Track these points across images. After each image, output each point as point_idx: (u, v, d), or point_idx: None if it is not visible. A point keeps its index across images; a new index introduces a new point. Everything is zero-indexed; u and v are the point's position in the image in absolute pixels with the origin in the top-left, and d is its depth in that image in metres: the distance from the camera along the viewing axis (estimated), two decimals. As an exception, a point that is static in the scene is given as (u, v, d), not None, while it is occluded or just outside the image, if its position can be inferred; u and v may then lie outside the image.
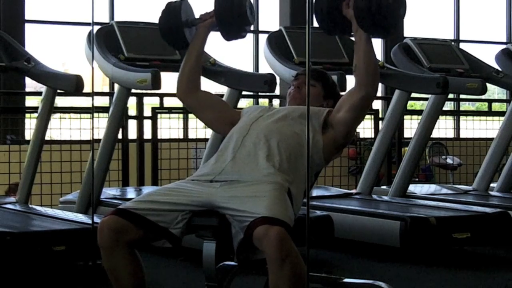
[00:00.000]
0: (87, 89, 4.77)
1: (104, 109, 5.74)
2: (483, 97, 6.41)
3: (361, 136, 7.72)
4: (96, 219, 3.01)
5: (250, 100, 9.15)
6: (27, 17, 9.01)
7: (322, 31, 3.15)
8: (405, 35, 10.77)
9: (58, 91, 5.09)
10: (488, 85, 5.69)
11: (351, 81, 5.22)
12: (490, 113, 8.36)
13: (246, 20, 3.18)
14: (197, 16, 3.30)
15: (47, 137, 5.34)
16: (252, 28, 3.27)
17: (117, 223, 2.79)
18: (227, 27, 3.21)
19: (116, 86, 5.18)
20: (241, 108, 4.78)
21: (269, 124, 3.05)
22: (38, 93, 5.70)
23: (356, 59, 3.03)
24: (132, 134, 6.40)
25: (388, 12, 2.96)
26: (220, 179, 2.90)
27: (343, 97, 3.13)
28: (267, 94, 6.57)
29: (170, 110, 6.86)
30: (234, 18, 3.18)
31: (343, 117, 3.04)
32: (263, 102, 8.86)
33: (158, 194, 2.95)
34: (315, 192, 5.89)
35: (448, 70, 5.70)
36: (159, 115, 6.52)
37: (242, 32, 3.26)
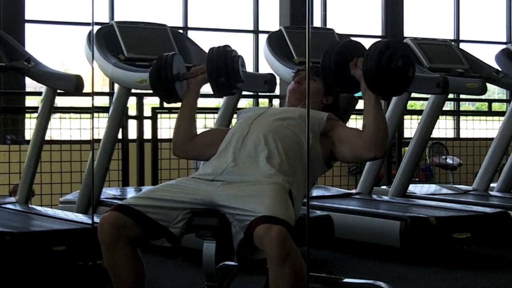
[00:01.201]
0: (87, 89, 4.77)
1: (104, 109, 5.74)
2: (483, 97, 6.41)
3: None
4: (96, 219, 3.01)
5: (250, 100, 9.15)
6: (27, 17, 9.01)
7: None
8: (405, 35, 10.79)
9: (58, 91, 5.09)
10: (488, 85, 5.69)
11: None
12: (490, 113, 8.36)
13: (238, 78, 3.18)
14: (189, 68, 3.29)
15: (47, 137, 5.33)
16: (240, 85, 3.28)
17: (117, 219, 2.80)
18: (219, 84, 3.19)
19: (116, 86, 5.18)
20: (240, 109, 4.79)
21: (269, 124, 3.05)
22: (38, 93, 5.70)
23: (365, 120, 2.98)
24: (132, 134, 6.40)
25: (397, 73, 2.91)
26: (221, 179, 2.91)
27: (355, 133, 3.05)
28: (267, 94, 6.57)
29: (170, 110, 6.84)
30: (227, 76, 3.16)
31: (345, 154, 3.05)
32: (263, 102, 8.86)
33: (159, 191, 2.95)
34: (315, 192, 5.89)
35: (448, 70, 5.70)
36: (159, 115, 6.51)
37: (233, 89, 3.26)
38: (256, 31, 10.23)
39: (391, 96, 3.07)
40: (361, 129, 3.03)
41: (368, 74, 2.92)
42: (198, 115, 7.50)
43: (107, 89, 8.76)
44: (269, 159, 2.93)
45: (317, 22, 10.52)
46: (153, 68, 3.25)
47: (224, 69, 3.16)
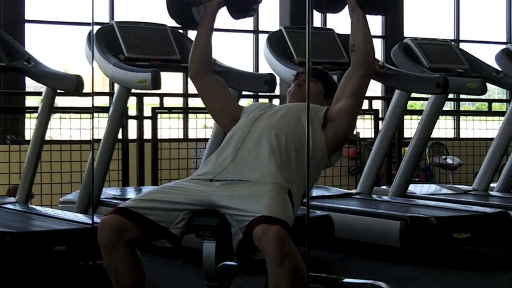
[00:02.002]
0: (87, 89, 4.77)
1: (104, 109, 5.74)
2: (483, 97, 6.41)
3: (361, 136, 7.71)
4: (96, 219, 3.01)
5: (250, 100, 9.14)
6: (27, 17, 9.01)
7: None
8: (405, 35, 10.79)
9: (58, 91, 5.09)
10: (488, 85, 5.68)
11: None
12: (490, 113, 8.36)
13: None
14: None
15: (47, 137, 5.33)
16: (257, 6, 3.23)
17: (117, 221, 2.79)
18: (235, 6, 3.18)
19: (116, 86, 5.18)
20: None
21: (270, 123, 3.05)
22: (38, 93, 5.70)
23: (354, 39, 3.05)
24: (132, 134, 6.40)
25: None
26: (220, 178, 2.91)
27: (340, 85, 3.12)
28: (267, 94, 6.57)
29: (170, 110, 6.86)
30: None
31: (346, 104, 3.05)
32: (263, 102, 8.86)
33: (158, 192, 2.95)
34: (315, 192, 5.89)
35: (448, 70, 5.70)
36: (159, 115, 6.51)
37: (250, 11, 3.24)
38: (256, 31, 10.23)
39: (379, 14, 3.10)
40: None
41: None
42: (198, 115, 7.55)
43: (107, 89, 8.76)
44: (270, 158, 2.93)
45: (317, 22, 10.52)
46: None
47: None
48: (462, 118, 9.72)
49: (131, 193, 5.72)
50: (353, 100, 3.06)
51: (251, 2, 3.18)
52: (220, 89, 3.31)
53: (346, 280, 3.31)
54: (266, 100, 8.10)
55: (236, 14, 3.24)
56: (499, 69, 6.06)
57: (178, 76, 9.49)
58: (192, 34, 9.29)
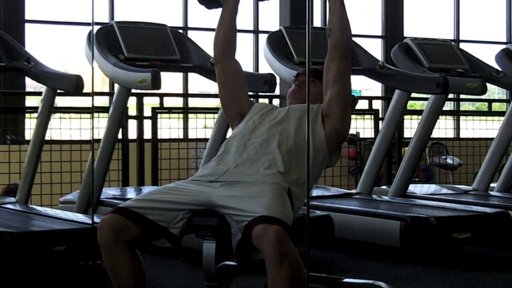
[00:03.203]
0: (87, 89, 4.77)
1: (104, 109, 5.74)
2: (483, 97, 6.42)
3: (361, 136, 7.72)
4: (96, 219, 3.01)
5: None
6: (27, 17, 9.01)
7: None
8: (405, 35, 10.79)
9: (58, 91, 5.09)
10: (488, 85, 5.69)
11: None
12: (490, 113, 8.36)
13: None
14: None
15: (47, 137, 5.33)
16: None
17: (117, 221, 2.80)
18: None
19: (116, 86, 5.18)
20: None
21: (270, 128, 3.06)
22: (38, 93, 5.70)
23: (330, 23, 3.06)
24: (132, 134, 6.40)
25: None
26: (222, 180, 2.91)
27: (324, 76, 3.10)
28: (267, 94, 6.57)
29: (170, 110, 6.86)
30: None
31: (332, 93, 3.04)
32: (266, 103, 8.85)
33: (158, 193, 2.95)
34: (315, 192, 5.89)
35: (448, 70, 5.70)
36: (159, 115, 6.52)
37: None
38: (256, 31, 10.23)
39: None
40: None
41: None
42: (198, 115, 7.56)
43: (107, 89, 8.76)
44: (270, 161, 2.93)
45: (317, 22, 10.52)
46: None
47: None
48: (462, 118, 9.72)
49: (131, 193, 5.73)
50: (339, 86, 3.04)
51: None
52: (235, 79, 3.27)
53: (346, 280, 3.30)
54: (266, 100, 8.10)
55: None
56: (499, 69, 6.06)
57: (178, 76, 9.49)
58: (191, 34, 9.28)
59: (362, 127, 7.47)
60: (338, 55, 3.04)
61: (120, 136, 5.69)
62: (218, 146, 3.25)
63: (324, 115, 3.07)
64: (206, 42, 4.79)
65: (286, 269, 2.59)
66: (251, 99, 8.92)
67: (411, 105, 8.31)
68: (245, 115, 3.18)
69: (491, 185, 6.45)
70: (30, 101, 8.02)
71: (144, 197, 2.95)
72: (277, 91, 5.65)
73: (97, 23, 5.38)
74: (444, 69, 5.69)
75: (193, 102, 9.23)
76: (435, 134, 6.89)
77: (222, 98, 3.32)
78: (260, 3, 10.26)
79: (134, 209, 2.83)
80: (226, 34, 3.25)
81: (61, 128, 6.38)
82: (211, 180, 2.92)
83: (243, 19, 10.06)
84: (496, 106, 10.64)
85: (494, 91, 11.69)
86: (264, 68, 6.64)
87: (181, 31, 8.31)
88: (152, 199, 2.90)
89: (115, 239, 2.78)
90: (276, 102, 7.72)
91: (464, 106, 11.30)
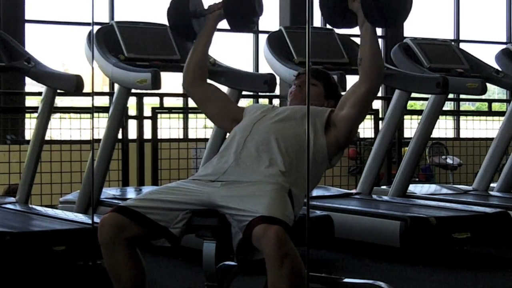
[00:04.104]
0: (87, 89, 4.77)
1: (104, 109, 5.74)
2: (483, 97, 6.42)
3: (361, 136, 7.71)
4: (96, 219, 3.01)
5: (250, 100, 9.15)
6: (27, 17, 9.01)
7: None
8: (405, 35, 10.78)
9: (58, 91, 5.09)
10: (488, 85, 5.69)
11: (351, 81, 5.23)
12: (490, 113, 8.36)
13: (254, 12, 3.19)
14: (205, 6, 3.29)
15: (47, 137, 5.33)
16: (257, 19, 3.27)
17: (117, 220, 2.80)
18: (235, 18, 3.21)
19: (116, 86, 5.18)
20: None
21: (272, 125, 3.05)
22: (38, 93, 5.70)
23: (361, 52, 3.03)
24: (132, 134, 6.40)
25: (395, 4, 2.95)
26: (222, 179, 2.91)
27: (346, 94, 3.12)
28: (267, 94, 6.57)
29: (170, 110, 6.86)
30: (242, 9, 3.17)
31: (347, 113, 3.04)
32: (263, 102, 8.85)
33: (158, 192, 2.95)
34: (315, 192, 5.88)
35: (448, 70, 5.70)
36: (159, 115, 6.52)
37: (250, 24, 3.26)
38: (256, 31, 10.23)
39: (388, 26, 3.13)
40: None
41: (366, 5, 2.95)
42: (198, 115, 7.55)
43: (107, 89, 8.75)
44: (271, 160, 2.93)
45: (317, 22, 10.52)
46: (170, 6, 3.27)
47: (239, 4, 3.17)
48: (462, 118, 9.73)
49: (131, 193, 5.72)
50: (356, 111, 3.04)
51: (250, 15, 3.20)
52: (216, 93, 3.32)
53: (346, 280, 3.30)
54: (266, 100, 8.11)
55: (236, 27, 3.28)
56: (499, 69, 6.06)
57: (178, 76, 9.44)
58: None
59: (362, 127, 7.46)
60: (365, 86, 3.02)
61: (120, 136, 5.69)
62: (218, 146, 3.26)
63: (332, 123, 3.06)
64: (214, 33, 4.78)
65: (286, 270, 2.58)
66: (251, 99, 8.88)
67: (411, 105, 8.30)
68: (241, 120, 3.19)
69: (491, 185, 6.45)
70: (30, 101, 8.02)
71: (145, 196, 2.95)
72: (277, 91, 5.65)
73: (97, 23, 5.38)
74: (444, 69, 5.69)
75: (193, 102, 9.21)
76: (435, 134, 6.89)
77: (214, 115, 3.34)
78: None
79: (134, 208, 2.83)
80: (198, 62, 3.28)
81: (61, 128, 6.39)
82: (212, 180, 2.92)
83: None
84: (496, 106, 10.64)
85: (494, 91, 11.69)
86: (264, 68, 6.64)
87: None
88: (152, 198, 2.90)
89: (116, 238, 2.78)
90: (276, 102, 7.73)
91: (464, 106, 11.30)
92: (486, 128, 8.12)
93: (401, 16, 3.03)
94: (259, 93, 7.30)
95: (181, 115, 7.53)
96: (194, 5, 3.25)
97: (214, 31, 3.30)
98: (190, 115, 7.80)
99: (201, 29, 3.28)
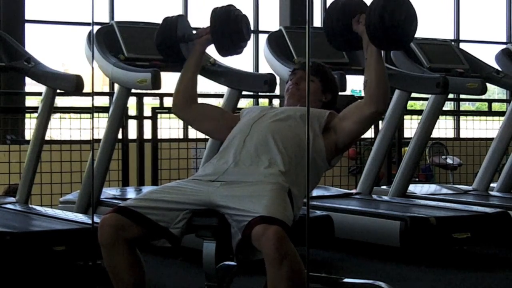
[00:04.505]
0: (87, 89, 4.77)
1: (104, 109, 5.74)
2: (483, 97, 6.41)
3: (361, 136, 7.70)
4: (96, 219, 3.01)
5: (250, 100, 9.15)
6: (27, 17, 9.02)
7: (330, 44, 3.15)
8: (405, 35, 10.76)
9: (58, 91, 5.08)
10: (488, 85, 5.68)
11: (351, 81, 5.23)
12: (490, 113, 8.36)
13: (242, 37, 3.20)
14: (194, 31, 3.32)
15: (47, 137, 5.33)
16: (245, 44, 3.28)
17: (117, 220, 2.80)
18: (223, 43, 3.22)
19: (116, 86, 5.17)
20: (241, 108, 4.79)
21: (271, 125, 3.05)
22: (38, 93, 5.70)
23: (367, 75, 3.01)
24: (132, 134, 6.39)
25: (400, 27, 2.94)
26: (222, 179, 2.91)
27: (351, 106, 3.10)
28: (267, 94, 6.57)
29: (170, 110, 6.83)
30: (230, 35, 3.18)
31: (349, 128, 3.05)
32: (263, 102, 8.86)
33: (158, 192, 2.95)
34: (315, 192, 5.88)
35: (448, 70, 5.70)
36: (159, 115, 6.51)
37: (237, 48, 3.28)
38: (256, 31, 10.23)
39: (393, 50, 3.12)
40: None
41: (371, 28, 2.94)
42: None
43: (107, 89, 8.76)
44: (271, 160, 2.93)
45: (317, 22, 10.52)
46: (158, 30, 3.28)
47: (227, 29, 3.17)
48: (462, 118, 9.73)
49: (131, 193, 5.72)
50: (358, 127, 3.07)
51: (238, 40, 3.20)
52: (209, 111, 3.32)
53: (346, 280, 3.30)
54: (266, 100, 8.11)
55: (224, 52, 3.29)
56: (499, 69, 6.06)
57: (178, 76, 9.48)
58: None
59: (362, 127, 7.45)
60: (373, 109, 3.01)
61: (120, 136, 5.69)
62: (218, 146, 3.26)
63: (332, 128, 3.07)
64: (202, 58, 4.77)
65: (286, 270, 2.58)
66: (251, 99, 8.87)
67: (411, 105, 8.30)
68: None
69: (491, 185, 6.45)
70: (30, 101, 8.02)
71: (145, 196, 2.95)
72: (277, 91, 5.65)
73: (97, 23, 5.38)
74: (444, 69, 5.69)
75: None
76: (435, 134, 6.89)
77: (211, 130, 3.35)
78: (260, 2, 10.26)
79: (134, 209, 2.83)
80: (187, 87, 3.29)
81: (61, 128, 6.38)
82: (211, 180, 2.92)
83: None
84: (496, 106, 10.63)
85: (494, 91, 11.69)
86: (264, 68, 6.64)
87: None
88: (152, 198, 2.90)
89: (116, 238, 2.79)
90: (276, 102, 7.72)
91: (464, 106, 11.30)
92: (486, 128, 8.12)
93: (406, 40, 3.03)
94: (259, 93, 7.29)
95: (181, 115, 7.51)
96: (182, 29, 3.26)
97: (203, 56, 3.33)
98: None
99: (189, 53, 3.29)
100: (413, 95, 6.00)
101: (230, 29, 3.17)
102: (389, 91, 3.11)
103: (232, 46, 3.24)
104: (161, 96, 6.76)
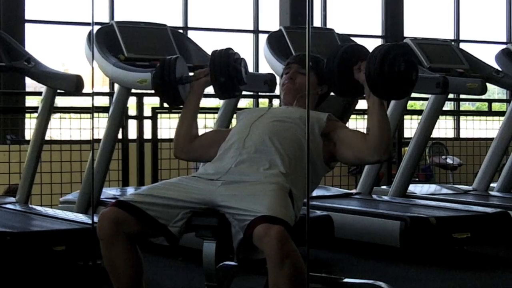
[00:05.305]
0: (87, 89, 4.77)
1: (104, 109, 5.74)
2: (483, 97, 6.41)
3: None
4: (96, 219, 3.01)
5: (250, 100, 9.15)
6: (27, 17, 9.02)
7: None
8: (405, 35, 10.79)
9: (58, 91, 5.09)
10: (488, 85, 5.68)
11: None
12: (490, 113, 8.36)
13: (241, 81, 3.21)
14: (191, 73, 3.34)
15: (47, 137, 5.33)
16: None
17: (117, 214, 2.80)
18: (222, 87, 3.22)
19: (116, 86, 5.18)
20: (240, 109, 4.79)
21: (270, 125, 3.05)
22: (38, 93, 5.70)
23: (369, 124, 2.98)
24: (132, 134, 6.39)
25: (400, 77, 2.92)
26: (223, 179, 2.90)
27: (357, 135, 3.06)
28: (267, 94, 6.57)
29: (170, 110, 6.84)
30: (229, 79, 3.19)
31: (349, 157, 3.06)
32: (263, 102, 8.86)
33: (159, 188, 2.95)
34: (315, 192, 5.87)
35: (448, 70, 5.69)
36: (159, 115, 6.51)
37: (236, 91, 3.28)
38: (256, 31, 10.23)
39: (395, 100, 3.11)
40: (360, 129, 3.04)
41: (371, 79, 2.92)
42: (198, 115, 7.53)
43: (107, 89, 8.76)
44: (270, 161, 2.93)
45: (317, 22, 10.52)
46: (156, 72, 3.28)
47: (226, 72, 3.18)
48: (462, 118, 9.72)
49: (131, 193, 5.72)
50: (356, 161, 3.17)
51: (236, 83, 3.21)
52: (208, 140, 3.29)
53: (346, 280, 3.31)
54: (266, 100, 8.10)
55: (222, 94, 3.29)
56: (499, 69, 6.05)
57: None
58: (191, 34, 9.27)
59: (362, 127, 7.46)
60: (375, 157, 2.98)
61: (120, 136, 5.69)
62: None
63: (330, 138, 3.06)
64: (206, 42, 4.79)
65: (287, 270, 2.58)
66: (251, 99, 8.87)
67: (411, 105, 8.30)
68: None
69: (491, 185, 6.45)
70: (30, 101, 8.02)
71: (145, 191, 2.94)
72: (277, 91, 5.65)
73: (97, 23, 5.38)
74: (444, 69, 5.69)
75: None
76: (435, 134, 6.89)
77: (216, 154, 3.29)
78: (260, 2, 10.26)
79: (134, 204, 2.83)
80: (188, 130, 3.28)
81: (61, 128, 6.38)
82: (212, 179, 2.92)
83: (243, 19, 10.06)
84: (496, 106, 10.64)
85: (494, 91, 11.70)
86: (264, 68, 6.64)
87: (181, 31, 8.31)
88: (153, 194, 2.89)
89: (115, 232, 2.78)
90: (276, 102, 7.72)
91: (464, 106, 11.30)
92: (486, 128, 8.12)
93: (406, 90, 3.02)
94: (259, 93, 7.29)
95: (181, 115, 7.52)
96: (180, 71, 3.26)
97: (201, 98, 3.32)
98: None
99: (185, 92, 3.28)
100: (413, 95, 6.00)
101: (229, 72, 3.18)
102: (391, 141, 3.12)
103: (231, 89, 3.25)
104: (161, 96, 6.75)
